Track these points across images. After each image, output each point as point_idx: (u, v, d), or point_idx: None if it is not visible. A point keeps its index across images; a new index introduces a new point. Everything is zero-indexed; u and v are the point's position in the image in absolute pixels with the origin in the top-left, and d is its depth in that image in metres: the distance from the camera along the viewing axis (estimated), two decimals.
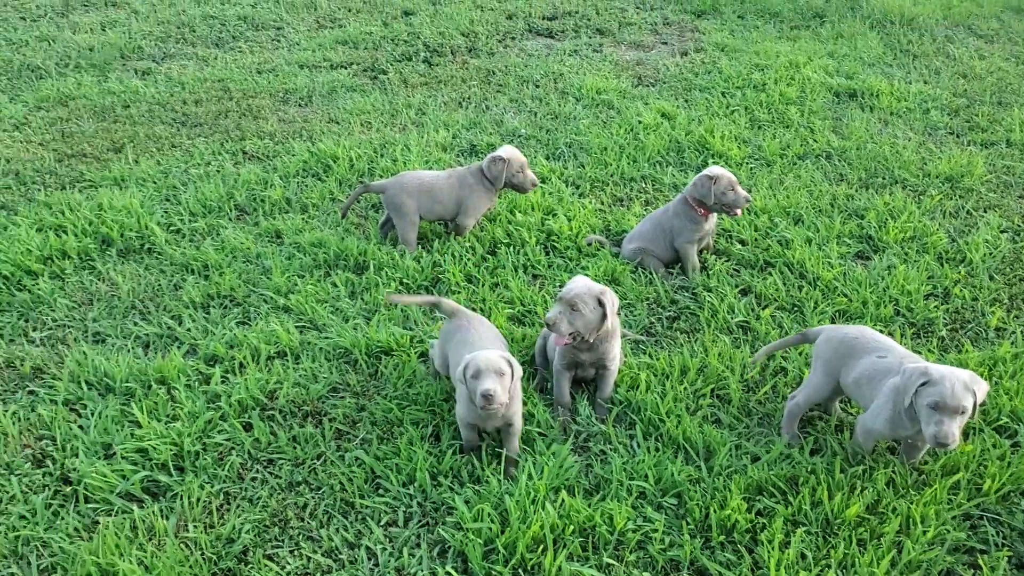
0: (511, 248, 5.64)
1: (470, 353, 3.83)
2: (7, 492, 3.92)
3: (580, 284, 4.11)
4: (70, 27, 10.07)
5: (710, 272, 5.40)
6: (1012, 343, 4.71)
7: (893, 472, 3.84)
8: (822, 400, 4.08)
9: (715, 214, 5.40)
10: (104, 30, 9.99)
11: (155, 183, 6.59)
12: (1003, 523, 3.68)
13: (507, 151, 5.64)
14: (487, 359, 3.69)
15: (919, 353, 4.60)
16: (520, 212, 6.00)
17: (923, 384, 3.45)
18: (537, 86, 8.53)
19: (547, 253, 5.66)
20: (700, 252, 5.55)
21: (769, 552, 3.46)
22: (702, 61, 9.19)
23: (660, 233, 5.39)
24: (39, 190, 6.52)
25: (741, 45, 9.56)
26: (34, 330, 5.06)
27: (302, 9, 10.88)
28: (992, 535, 3.62)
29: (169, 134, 7.50)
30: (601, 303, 4.08)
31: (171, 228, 6.03)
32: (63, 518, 3.78)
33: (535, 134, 7.43)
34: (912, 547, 3.47)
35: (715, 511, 3.66)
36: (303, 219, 6.13)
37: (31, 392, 4.57)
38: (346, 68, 9.05)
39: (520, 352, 4.71)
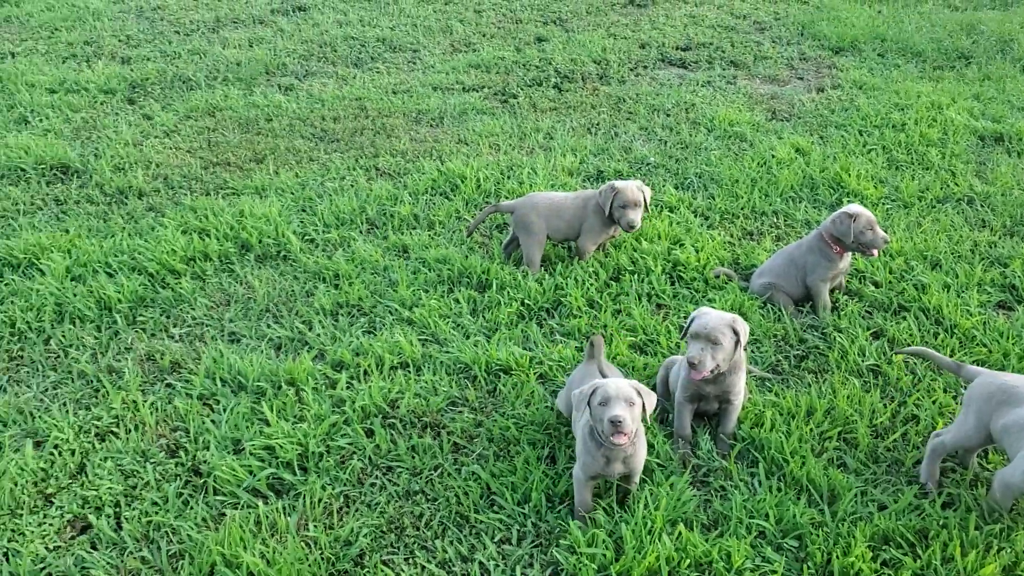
0: (635, 276, 5.61)
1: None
2: (142, 479, 4.12)
3: (714, 316, 4.05)
4: (220, 42, 10.61)
5: (841, 312, 5.24)
6: None
7: None
8: (969, 446, 3.89)
9: (850, 253, 5.24)
10: (251, 46, 10.48)
11: (293, 194, 6.85)
12: None
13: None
14: (617, 386, 3.62)
15: None
16: (646, 240, 5.97)
17: None
18: (668, 115, 8.49)
19: (672, 283, 5.60)
20: (832, 291, 5.39)
21: None
22: (839, 98, 8.97)
23: (792, 269, 5.26)
24: (185, 195, 6.87)
25: (880, 84, 9.29)
26: (174, 326, 5.32)
27: (438, 33, 11.16)
28: None
29: (307, 148, 7.79)
30: (735, 331, 4.01)
31: (306, 237, 6.24)
32: (192, 508, 3.94)
33: (664, 163, 7.39)
34: None
35: (838, 557, 3.53)
36: (429, 235, 6.26)
37: (169, 385, 4.79)
38: (477, 91, 9.22)
39: (643, 382, 4.67)
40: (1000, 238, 6.10)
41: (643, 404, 3.64)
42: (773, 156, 7.39)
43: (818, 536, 3.65)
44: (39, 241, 5.99)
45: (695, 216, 6.47)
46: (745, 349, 4.38)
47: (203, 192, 6.94)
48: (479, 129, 8.17)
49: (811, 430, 4.25)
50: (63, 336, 5.17)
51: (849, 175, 6.95)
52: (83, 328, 5.24)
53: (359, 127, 8.26)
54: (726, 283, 5.53)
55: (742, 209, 6.56)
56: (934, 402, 4.45)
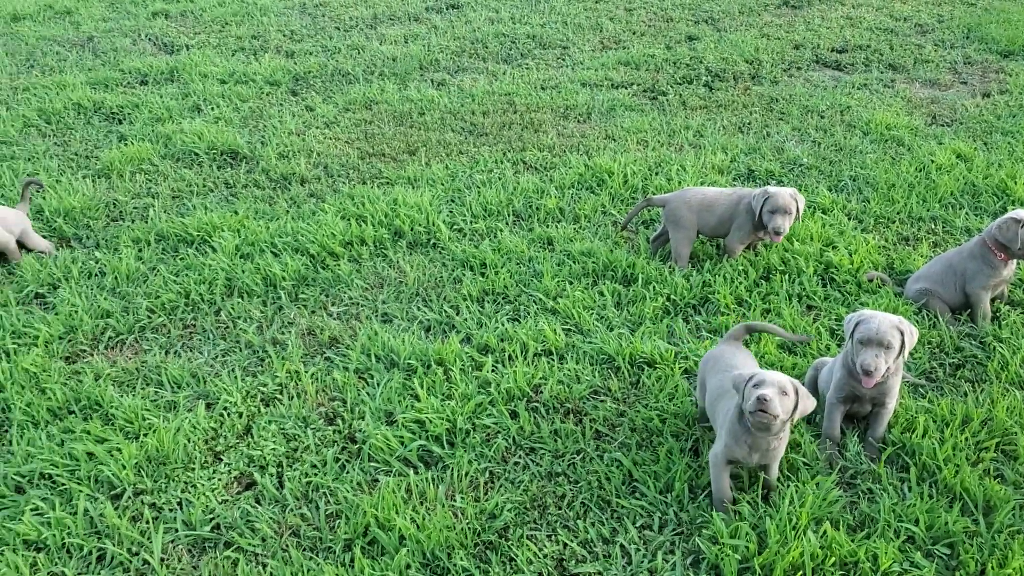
0: (786, 276, 5.53)
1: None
2: (303, 442, 4.37)
3: (883, 320, 3.95)
4: (377, 38, 11.03)
5: (1002, 323, 5.02)
6: None
7: None
8: None
9: (1015, 261, 5.01)
10: (407, 42, 10.85)
11: (443, 185, 7.07)
12: None
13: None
14: (774, 375, 3.61)
15: None
16: (798, 241, 5.87)
17: None
18: (822, 117, 8.29)
19: (824, 285, 5.49)
20: (992, 300, 5.17)
21: None
22: (1006, 103, 8.54)
23: (951, 275, 5.07)
24: (343, 183, 7.20)
25: None
26: (332, 305, 5.60)
27: (588, 30, 11.24)
28: None
29: (457, 141, 8.02)
30: (901, 333, 3.93)
31: (454, 227, 6.44)
32: (348, 472, 4.16)
33: (817, 164, 7.23)
34: None
35: (993, 568, 3.40)
36: (574, 229, 6.35)
37: (327, 358, 5.06)
38: (626, 88, 9.25)
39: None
40: None
41: (796, 401, 3.60)
42: (932, 161, 7.12)
43: (972, 546, 3.53)
44: (211, 220, 6.40)
45: (848, 219, 6.31)
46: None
47: (360, 181, 7.25)
48: (627, 125, 8.20)
49: (966, 439, 4.10)
50: (232, 308, 5.53)
51: (1016, 183, 6.62)
52: (250, 302, 5.59)
53: (507, 122, 8.43)
54: (880, 287, 5.39)
55: (898, 214, 6.36)
56: None
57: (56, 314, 5.40)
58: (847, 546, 3.53)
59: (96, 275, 5.88)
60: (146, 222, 6.55)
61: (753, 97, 8.92)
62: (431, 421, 4.38)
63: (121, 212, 6.74)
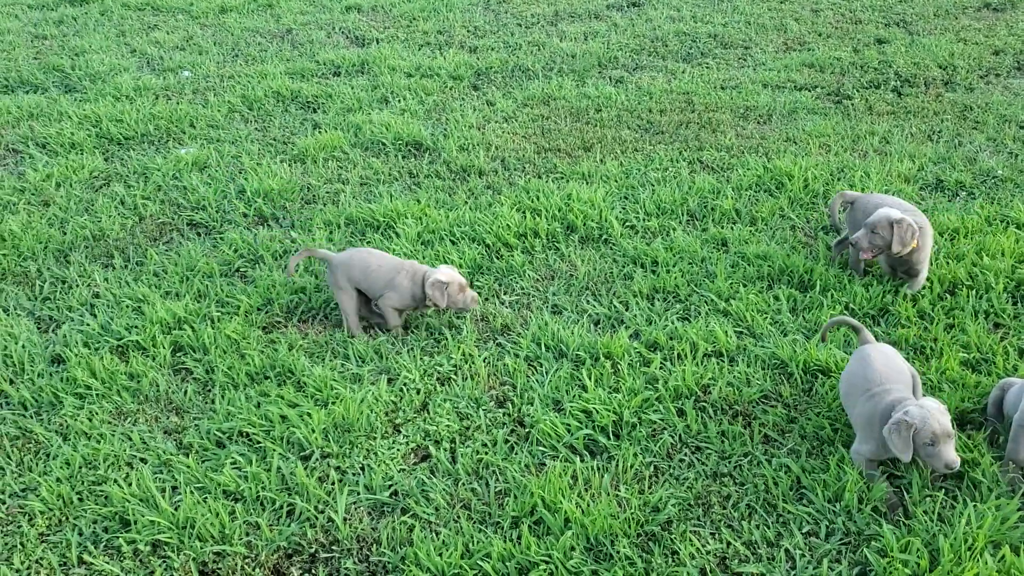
0: (973, 291, 5.30)
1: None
2: (474, 422, 4.58)
3: None
4: (557, 35, 11.21)
5: None
6: None
7: None
8: None
9: None
10: (586, 39, 10.98)
11: (617, 181, 7.16)
12: None
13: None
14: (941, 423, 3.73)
15: None
16: (988, 256, 5.60)
17: None
18: (1021, 127, 7.82)
19: (1015, 303, 5.23)
20: None
21: None
22: None
23: None
24: (519, 176, 7.40)
25: None
26: (505, 293, 5.80)
27: (771, 31, 11.01)
28: None
29: (633, 139, 8.07)
30: None
31: (626, 224, 6.51)
32: (517, 453, 4.34)
33: (1013, 176, 6.85)
34: None
35: None
36: (750, 231, 6.29)
37: (499, 344, 5.26)
38: (809, 90, 9.03)
39: (972, 400, 4.44)
40: None
41: None
42: None
43: None
44: (396, 207, 6.74)
45: None
46: None
47: (535, 175, 7.43)
48: (809, 128, 8.02)
49: None
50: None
51: None
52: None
53: (685, 120, 8.41)
54: None
55: None
56: None
57: (256, 287, 5.85)
58: None
59: (292, 253, 6.32)
60: (337, 206, 6.97)
61: (945, 104, 8.51)
62: (598, 412, 4.49)
63: (314, 196, 7.19)
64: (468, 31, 11.53)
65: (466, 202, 6.96)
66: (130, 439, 4.54)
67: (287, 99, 9.22)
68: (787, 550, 3.70)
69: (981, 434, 4.20)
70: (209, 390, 4.97)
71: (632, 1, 12.57)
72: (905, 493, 3.88)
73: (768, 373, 4.79)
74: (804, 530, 3.78)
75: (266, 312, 5.65)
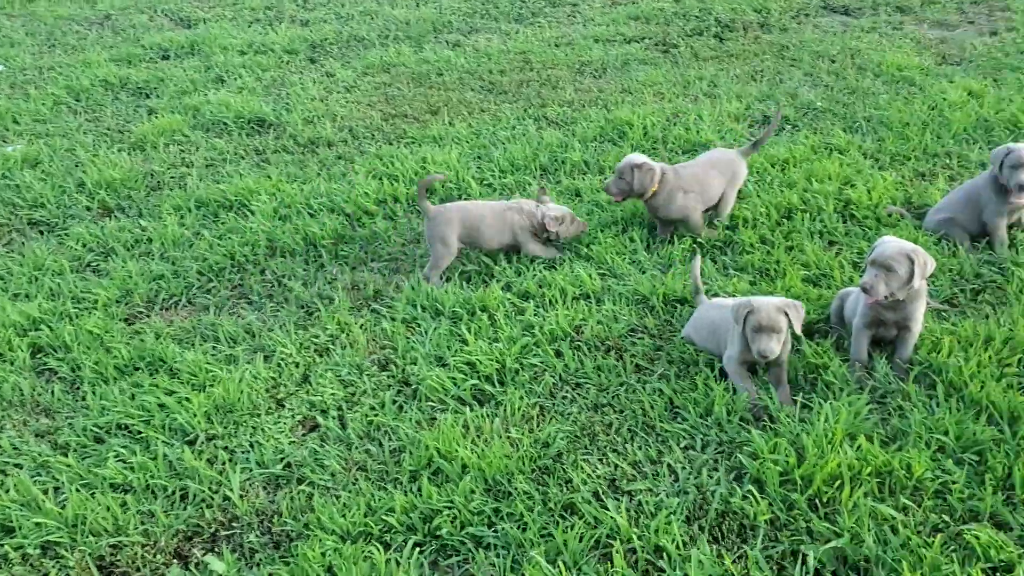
0: (807, 214, 5.75)
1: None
2: (360, 387, 4.64)
3: (892, 245, 4.21)
4: (389, 3, 11.19)
5: (1020, 248, 5.24)
6: None
7: None
8: None
9: None
10: (418, 6, 11.00)
11: (468, 142, 7.29)
12: None
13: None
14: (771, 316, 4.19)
15: None
16: (817, 181, 6.08)
17: None
18: (833, 61, 8.46)
19: (844, 221, 5.71)
20: (1010, 228, 5.37)
21: None
22: (1014, 40, 8.68)
23: (969, 205, 5.29)
24: (369, 144, 7.41)
25: None
26: (372, 260, 5.84)
27: None
28: None
29: (478, 100, 8.21)
30: (911, 261, 4.16)
31: (483, 182, 6.66)
32: (407, 412, 4.43)
33: (831, 107, 7.43)
34: None
35: (1019, 470, 3.66)
36: (600, 180, 6.56)
37: (374, 311, 5.31)
38: (638, 42, 9.42)
39: (815, 311, 4.85)
40: None
41: (790, 321, 4.23)
42: (944, 99, 7.30)
43: (999, 452, 3.78)
44: (247, 185, 6.63)
45: (865, 158, 6.52)
46: (928, 281, 4.48)
47: (386, 142, 7.46)
48: (642, 79, 8.38)
49: (990, 357, 4.34)
50: (276, 268, 5.78)
51: None
52: (293, 261, 5.84)
53: (525, 79, 8.61)
54: (899, 221, 5.60)
55: (913, 151, 6.56)
56: None
57: (111, 279, 5.65)
58: (882, 457, 3.78)
59: (144, 242, 6.12)
60: (184, 190, 6.79)
61: (764, 45, 9.07)
62: (481, 363, 4.64)
63: (159, 182, 6.97)
64: (297, 5, 11.33)
65: (319, 174, 6.93)
66: None
67: (116, 87, 8.83)
68: (669, 465, 3.97)
69: (828, 340, 4.62)
70: (78, 388, 4.80)
71: None
72: (769, 400, 4.23)
73: (632, 309, 5.07)
74: (682, 445, 4.07)
75: (126, 304, 5.49)
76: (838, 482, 3.71)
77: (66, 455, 4.28)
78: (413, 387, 4.61)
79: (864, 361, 4.44)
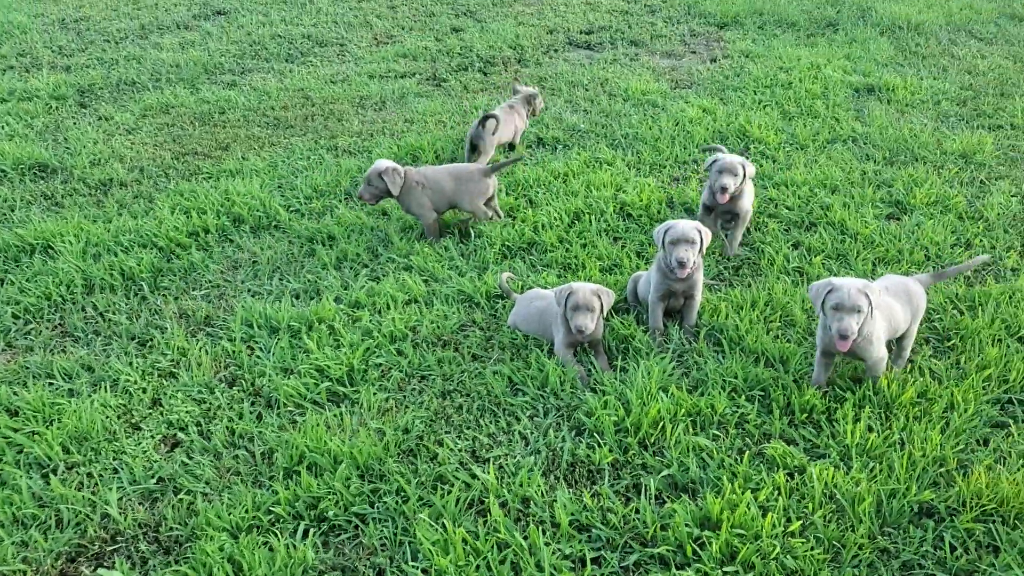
0: (593, 216, 6.57)
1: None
2: (215, 403, 4.82)
3: (685, 223, 5.06)
4: (153, 47, 11.07)
5: (765, 231, 6.33)
6: None
7: (933, 370, 4.76)
8: None
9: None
10: (184, 49, 10.98)
11: (267, 173, 7.53)
12: None
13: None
14: (586, 296, 4.87)
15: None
16: (595, 188, 6.94)
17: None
18: (587, 89, 9.50)
19: (624, 219, 6.58)
20: (728, 221, 6.39)
21: (843, 426, 4.36)
22: (730, 66, 10.17)
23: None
24: (164, 182, 7.45)
25: (763, 51, 10.55)
26: (194, 289, 5.97)
27: (359, 27, 11.88)
28: (1019, 413, 4.52)
29: (266, 135, 8.45)
30: (700, 233, 5.04)
31: (291, 208, 6.95)
32: (267, 419, 4.68)
33: (593, 128, 8.39)
34: (957, 419, 4.37)
35: (796, 399, 4.56)
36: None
37: (209, 334, 5.47)
38: (410, 77, 10.03)
39: (618, 295, 5.62)
40: (882, 167, 7.33)
41: (602, 304, 4.91)
42: (684, 116, 8.49)
43: (778, 387, 4.68)
44: (48, 228, 6.50)
45: (629, 168, 7.48)
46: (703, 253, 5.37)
47: (182, 178, 7.53)
48: (421, 109, 8.99)
49: (758, 315, 5.29)
50: (96, 303, 5.76)
51: (751, 126, 8.10)
52: (113, 296, 5.84)
53: (308, 114, 8.95)
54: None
55: (666, 160, 7.62)
56: None
57: None
58: (690, 401, 4.56)
59: None
60: None
61: (524, 78, 9.99)
62: (329, 367, 4.98)
63: None
64: (53, 51, 10.92)
65: (119, 213, 6.89)
66: None
67: None
68: (519, 432, 4.52)
69: (630, 316, 5.39)
70: None
71: (217, 10, 12.70)
72: (593, 369, 4.91)
73: (460, 307, 5.60)
74: (527, 415, 4.64)
75: None
76: (660, 425, 4.43)
77: None
78: (266, 397, 4.86)
79: (661, 329, 5.25)
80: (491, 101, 9.19)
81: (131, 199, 7.15)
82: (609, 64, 10.38)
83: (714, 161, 6.09)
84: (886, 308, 4.56)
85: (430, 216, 6.35)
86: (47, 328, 5.57)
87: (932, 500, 3.95)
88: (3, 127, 8.50)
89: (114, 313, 5.69)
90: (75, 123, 8.67)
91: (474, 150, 7.47)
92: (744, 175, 5.97)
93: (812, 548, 3.72)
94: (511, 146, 8.00)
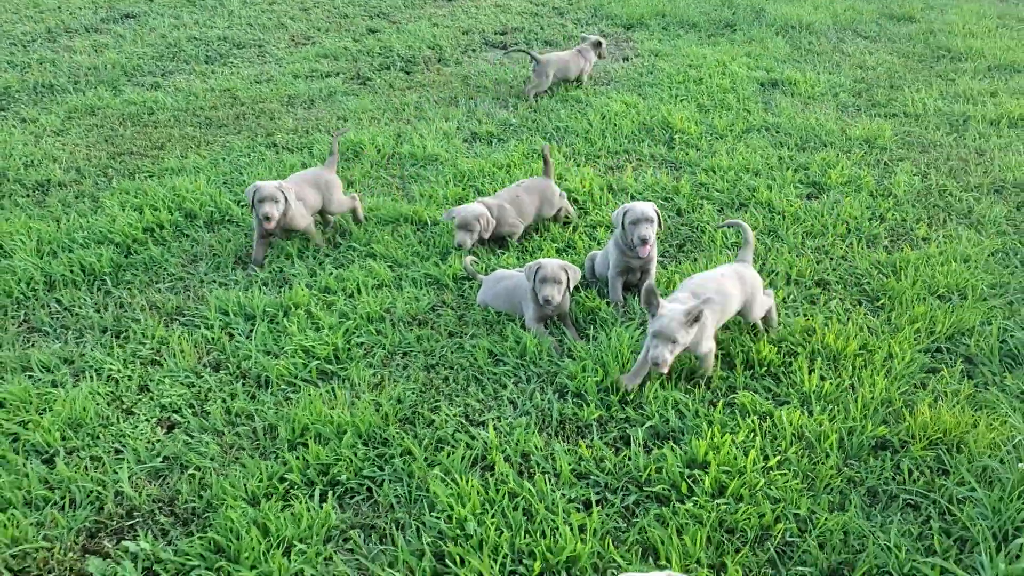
0: None
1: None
2: (205, 386, 4.94)
3: (644, 204, 5.46)
4: (64, 51, 10.84)
5: (701, 211, 6.83)
6: (936, 245, 6.29)
7: (870, 327, 5.33)
8: None
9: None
10: (98, 52, 10.80)
11: (210, 170, 7.58)
12: (952, 351, 5.18)
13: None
14: (553, 269, 5.25)
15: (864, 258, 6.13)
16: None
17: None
18: (512, 87, 9.86)
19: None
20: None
21: (799, 376, 4.84)
22: (643, 64, 10.73)
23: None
24: (106, 182, 7.42)
25: (671, 50, 11.17)
26: (157, 282, 6.03)
27: (274, 29, 11.93)
28: (948, 360, 5.11)
29: (200, 134, 8.48)
30: (657, 213, 5.45)
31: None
32: (261, 398, 4.83)
33: (524, 124, 8.76)
34: (897, 366, 4.92)
35: (754, 354, 5.02)
36: (354, 190, 7.24)
37: (183, 324, 5.56)
38: (334, 76, 10.18)
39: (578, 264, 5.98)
40: (796, 152, 7.97)
41: (568, 278, 5.30)
42: (610, 110, 8.96)
43: (737, 345, 5.13)
44: (6, 226, 6.42)
45: (566, 159, 7.88)
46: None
47: (123, 177, 7.51)
48: (352, 107, 9.17)
49: None
50: (60, 299, 5.76)
51: (672, 118, 8.63)
52: (76, 291, 5.85)
53: (239, 113, 9.01)
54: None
55: (600, 151, 8.06)
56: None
57: None
58: None
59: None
60: None
61: (448, 76, 10.29)
62: (314, 348, 5.16)
63: None
64: None
65: (65, 213, 6.84)
66: None
67: None
68: (507, 398, 4.83)
69: (592, 291, 5.77)
70: None
71: (125, 13, 12.50)
72: (564, 338, 5.26)
73: (429, 289, 5.86)
74: (512, 381, 4.95)
75: None
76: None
77: None
78: (255, 378, 5.01)
79: (621, 302, 5.65)
80: (420, 98, 9.45)
81: (73, 199, 7.10)
82: (529, 63, 10.77)
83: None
84: (720, 300, 4.88)
85: (304, 223, 6.35)
86: (14, 325, 5.54)
87: (886, 435, 4.46)
88: None
89: (80, 307, 5.71)
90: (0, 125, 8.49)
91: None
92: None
93: (790, 480, 4.17)
94: (578, 80, 9.98)
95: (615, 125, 8.57)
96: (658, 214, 5.53)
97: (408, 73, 10.43)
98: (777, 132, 8.46)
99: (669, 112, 8.80)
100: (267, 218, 5.99)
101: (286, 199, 6.10)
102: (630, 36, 11.96)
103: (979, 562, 3.63)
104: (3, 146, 7.98)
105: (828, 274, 5.94)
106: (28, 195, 7.18)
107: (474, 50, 11.37)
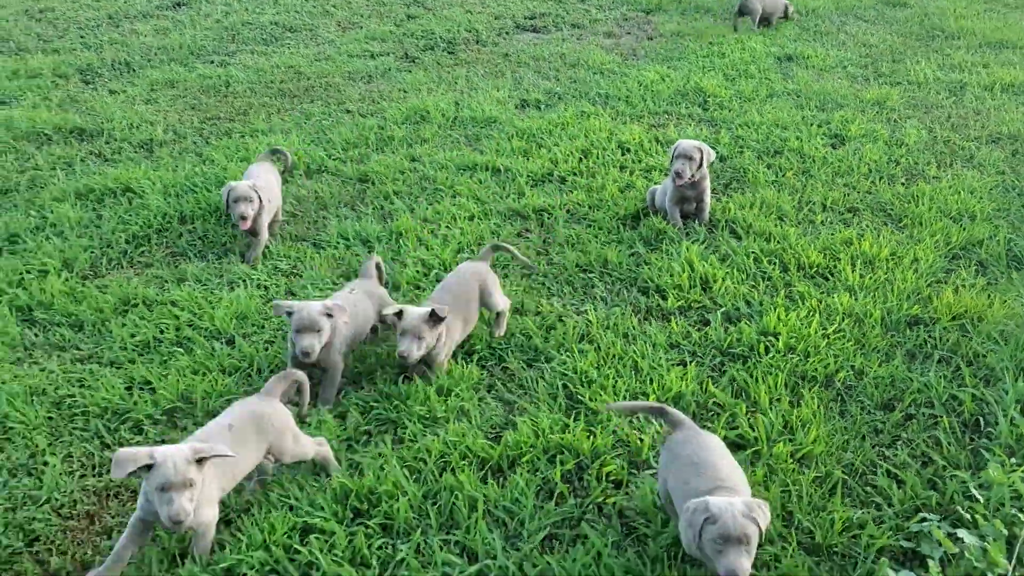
0: (596, 152, 7.86)
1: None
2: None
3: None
4: (130, 33, 11.71)
5: (742, 157, 7.78)
6: (946, 181, 7.27)
7: (896, 240, 6.29)
8: None
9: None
10: (161, 35, 11.68)
11: (297, 131, 8.48)
12: (966, 258, 6.15)
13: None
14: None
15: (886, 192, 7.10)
16: (592, 132, 8.25)
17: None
18: (550, 63, 10.81)
19: (623, 153, 7.92)
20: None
21: (844, 275, 5.79)
22: (667, 42, 11.71)
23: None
24: (202, 141, 8.30)
25: (690, 31, 12.15)
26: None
27: (321, 16, 12.83)
28: (963, 263, 6.07)
29: (276, 103, 9.37)
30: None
31: (333, 158, 7.93)
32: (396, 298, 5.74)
33: (568, 91, 9.71)
34: (923, 265, 5.88)
35: (805, 259, 5.97)
36: (429, 147, 8.14)
37: (313, 244, 6.45)
38: (386, 56, 11.10)
39: (638, 203, 6.91)
40: (816, 112, 8.95)
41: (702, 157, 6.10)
42: (646, 78, 9.92)
43: (789, 253, 6.08)
44: (122, 174, 7.29)
45: (613, 120, 8.83)
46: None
47: (219, 137, 8.40)
48: (408, 81, 10.08)
49: (756, 212, 6.70)
50: (194, 230, 6.63)
51: (704, 84, 9.60)
52: (208, 224, 6.72)
53: (307, 86, 9.91)
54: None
55: (642, 112, 9.01)
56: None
57: (40, 254, 6.16)
58: (722, 269, 5.90)
59: (48, 226, 6.60)
60: (38, 190, 7.22)
61: (488, 55, 11.22)
62: (430, 260, 6.07)
63: (16, 184, 7.31)
64: (32, 38, 11.41)
65: (175, 167, 7.71)
66: None
67: None
68: (598, 295, 5.75)
69: (657, 218, 6.70)
70: (96, 326, 5.43)
71: (177, 1, 13.37)
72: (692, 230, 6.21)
73: (514, 220, 6.77)
74: (601, 282, 5.88)
75: (68, 269, 6.06)
76: (709, 280, 5.77)
77: (133, 362, 5.03)
78: (385, 285, 5.91)
79: (680, 224, 6.57)
80: (469, 73, 10.38)
81: (179, 154, 7.98)
82: (561, 42, 11.73)
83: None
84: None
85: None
86: (160, 251, 6.42)
87: (918, 313, 5.43)
88: (23, 99, 9.09)
89: (215, 236, 6.59)
90: (93, 95, 9.35)
91: (742, 14, 12.00)
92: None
93: (845, 343, 5.12)
94: (786, 15, 12.52)
95: (653, 91, 9.52)
96: (703, 152, 6.42)
97: (451, 53, 11.34)
98: (798, 96, 9.44)
99: (700, 79, 9.77)
100: (243, 218, 6.08)
101: (260, 199, 6.18)
102: (651, 19, 12.94)
103: (1003, 388, 4.60)
104: (103, 111, 8.83)
105: (857, 203, 6.91)
106: (136, 152, 8.05)
107: (507, 33, 12.30)
